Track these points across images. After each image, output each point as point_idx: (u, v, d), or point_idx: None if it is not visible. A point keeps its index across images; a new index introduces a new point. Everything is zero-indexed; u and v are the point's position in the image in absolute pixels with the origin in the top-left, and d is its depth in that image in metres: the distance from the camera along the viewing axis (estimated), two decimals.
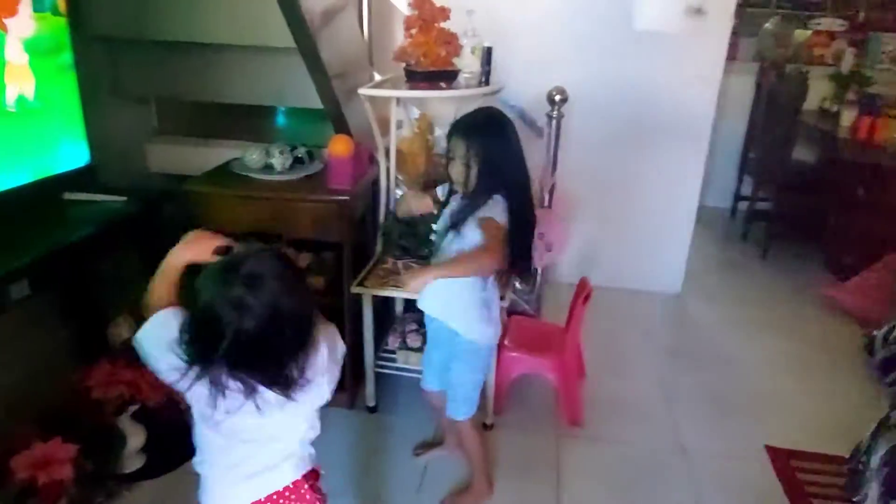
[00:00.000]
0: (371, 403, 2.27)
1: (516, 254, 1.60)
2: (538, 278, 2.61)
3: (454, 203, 1.64)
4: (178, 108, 2.59)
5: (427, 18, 1.97)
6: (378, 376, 2.30)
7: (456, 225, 1.59)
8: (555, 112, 2.30)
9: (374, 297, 2.08)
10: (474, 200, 1.54)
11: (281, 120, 2.73)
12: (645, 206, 3.15)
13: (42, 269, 1.56)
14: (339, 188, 2.02)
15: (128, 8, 2.03)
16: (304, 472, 1.21)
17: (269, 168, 2.10)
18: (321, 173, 2.11)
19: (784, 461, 2.08)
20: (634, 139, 3.03)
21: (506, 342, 2.28)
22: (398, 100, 2.16)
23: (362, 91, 1.93)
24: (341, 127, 2.13)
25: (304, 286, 1.13)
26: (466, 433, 1.82)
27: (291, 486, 1.19)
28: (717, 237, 4.19)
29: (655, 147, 3.03)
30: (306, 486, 1.21)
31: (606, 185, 3.12)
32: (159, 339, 1.08)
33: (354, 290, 2.05)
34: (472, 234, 1.56)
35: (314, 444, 1.25)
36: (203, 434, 1.15)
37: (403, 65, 2.05)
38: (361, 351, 2.19)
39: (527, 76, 2.69)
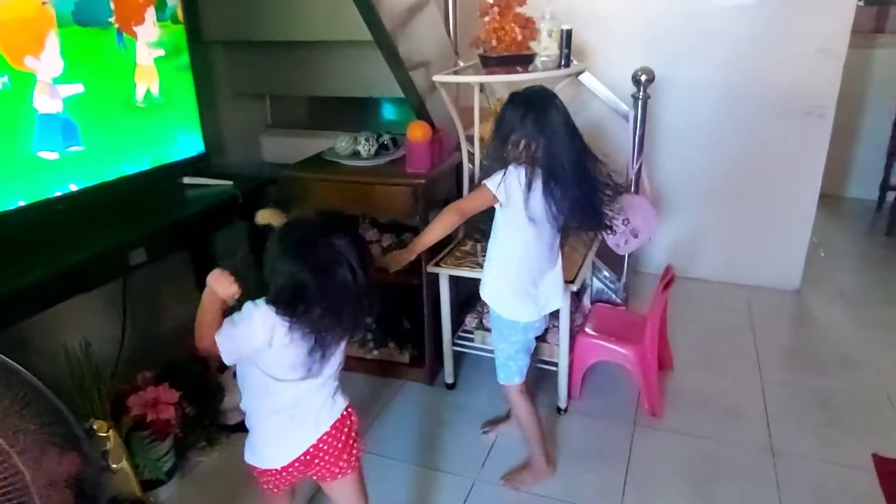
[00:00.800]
0: (449, 381, 2.36)
1: (581, 220, 1.68)
2: (625, 266, 2.53)
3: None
4: (290, 102, 2.85)
5: (502, 4, 2.01)
6: (458, 355, 2.39)
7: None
8: (640, 93, 2.22)
9: (457, 278, 2.17)
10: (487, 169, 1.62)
11: (382, 109, 2.89)
12: (757, 195, 2.93)
13: (157, 240, 1.82)
14: (416, 172, 2.13)
15: (235, 14, 2.28)
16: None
17: (356, 154, 2.26)
18: (403, 159, 2.23)
19: (891, 472, 1.86)
20: (744, 121, 2.83)
21: (585, 328, 2.27)
22: (482, 87, 2.23)
23: (436, 78, 2.02)
24: (423, 114, 2.24)
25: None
26: (512, 399, 1.87)
27: (340, 420, 1.35)
28: (858, 231, 3.77)
29: (769, 130, 2.81)
30: (354, 418, 1.37)
31: (712, 171, 2.95)
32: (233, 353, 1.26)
33: (430, 269, 2.15)
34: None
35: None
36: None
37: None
38: (441, 329, 2.29)
39: (621, 57, 2.63)
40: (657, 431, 2.13)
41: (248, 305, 1.22)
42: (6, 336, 1.60)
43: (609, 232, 2.31)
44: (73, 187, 1.70)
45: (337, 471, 1.36)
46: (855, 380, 2.36)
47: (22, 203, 1.57)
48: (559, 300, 1.80)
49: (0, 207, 1.53)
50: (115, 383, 1.88)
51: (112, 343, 2.06)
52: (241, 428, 2.18)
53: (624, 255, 2.51)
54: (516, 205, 1.58)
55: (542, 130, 1.52)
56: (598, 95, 2.35)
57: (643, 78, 2.19)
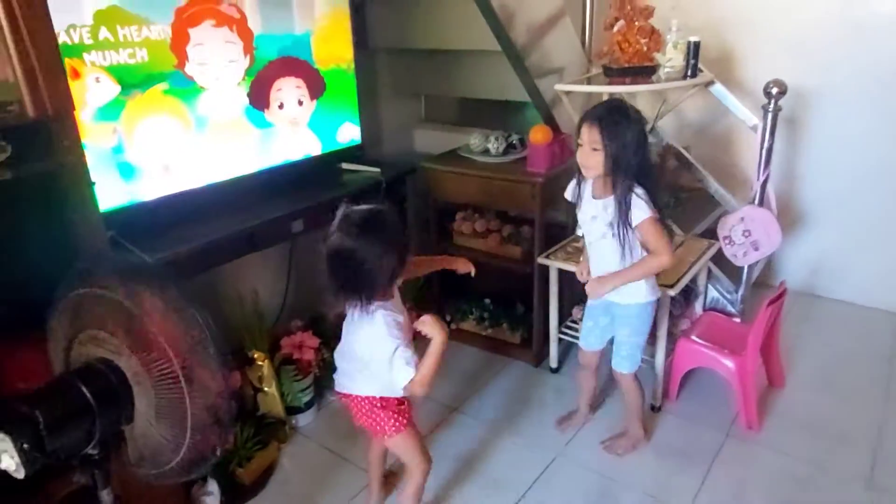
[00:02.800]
0: (553, 365, 2.55)
1: None
2: (743, 277, 2.50)
3: (588, 194, 1.81)
4: (441, 100, 3.17)
5: (628, 18, 2.12)
6: (566, 343, 2.57)
7: (615, 225, 1.74)
8: (770, 106, 2.19)
9: (565, 270, 2.34)
10: (621, 197, 1.69)
11: (524, 111, 3.10)
12: None
13: (313, 213, 2.23)
14: (535, 171, 2.33)
15: (397, 27, 2.63)
16: (378, 394, 1.59)
17: (486, 152, 2.52)
18: (527, 158, 2.44)
19: None
20: None
21: (691, 334, 2.31)
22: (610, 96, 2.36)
23: (558, 87, 2.20)
24: (549, 118, 2.42)
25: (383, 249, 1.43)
26: (629, 385, 2.02)
27: (364, 398, 1.60)
28: None
29: None
30: (378, 404, 1.60)
31: (868, 186, 2.75)
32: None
33: (540, 260, 2.35)
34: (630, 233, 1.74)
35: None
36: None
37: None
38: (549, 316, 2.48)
39: (770, 64, 2.57)
40: (749, 444, 2.14)
41: None
42: (202, 281, 2.12)
43: (728, 242, 2.35)
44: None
45: (368, 430, 1.64)
46: None
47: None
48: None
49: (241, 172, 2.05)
50: (276, 327, 2.37)
51: (279, 296, 2.55)
52: None
53: (744, 267, 2.48)
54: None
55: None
56: (728, 106, 2.35)
57: (774, 90, 2.16)
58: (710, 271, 2.51)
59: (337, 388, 1.68)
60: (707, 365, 2.24)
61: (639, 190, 1.69)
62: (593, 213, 1.80)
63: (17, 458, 1.07)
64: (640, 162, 1.66)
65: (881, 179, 2.70)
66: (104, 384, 1.12)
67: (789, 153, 2.85)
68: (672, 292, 2.08)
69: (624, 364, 1.98)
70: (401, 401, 1.64)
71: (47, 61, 1.20)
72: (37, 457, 1.08)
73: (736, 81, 2.75)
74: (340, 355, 1.66)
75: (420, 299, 2.66)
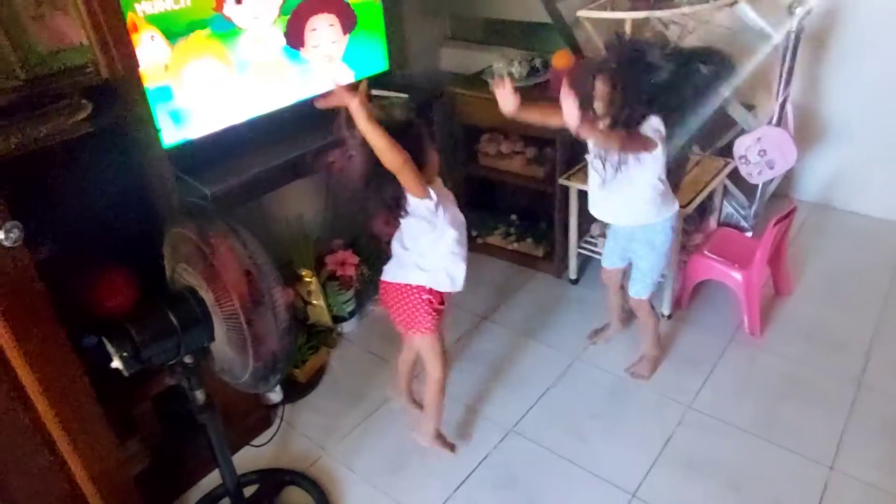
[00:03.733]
0: (573, 277, 2.76)
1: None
2: (757, 193, 2.61)
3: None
4: (465, 20, 3.19)
5: None
6: (585, 258, 2.75)
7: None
8: (795, 25, 2.21)
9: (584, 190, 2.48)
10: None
11: (547, 31, 3.10)
12: None
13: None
14: (557, 96, 2.41)
15: None
16: (423, 283, 1.69)
17: (509, 76, 2.59)
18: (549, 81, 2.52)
19: None
20: None
21: (703, 248, 2.47)
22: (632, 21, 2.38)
23: (580, 14, 2.24)
24: (571, 42, 2.47)
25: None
26: (642, 309, 2.17)
27: (412, 286, 1.71)
28: None
29: None
30: (424, 296, 1.71)
31: (890, 102, 2.74)
32: None
33: (561, 181, 2.49)
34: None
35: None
36: None
37: None
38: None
39: None
40: (750, 349, 2.34)
41: None
42: (254, 209, 2.33)
43: (744, 162, 2.44)
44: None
45: (399, 322, 1.77)
46: None
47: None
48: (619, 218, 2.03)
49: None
50: (318, 245, 2.60)
51: (319, 216, 2.76)
52: None
53: (758, 184, 2.58)
54: None
55: None
56: (752, 26, 2.36)
57: (797, 10, 2.17)
58: (725, 188, 2.62)
59: (384, 277, 1.76)
60: (717, 277, 2.41)
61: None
62: None
63: (119, 362, 1.34)
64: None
65: None
66: (187, 311, 1.35)
67: (815, 66, 2.85)
68: (686, 211, 2.22)
69: (639, 290, 2.11)
70: (441, 301, 1.74)
71: (114, 27, 1.35)
72: (134, 362, 1.34)
73: None
74: (399, 241, 1.74)
75: None
